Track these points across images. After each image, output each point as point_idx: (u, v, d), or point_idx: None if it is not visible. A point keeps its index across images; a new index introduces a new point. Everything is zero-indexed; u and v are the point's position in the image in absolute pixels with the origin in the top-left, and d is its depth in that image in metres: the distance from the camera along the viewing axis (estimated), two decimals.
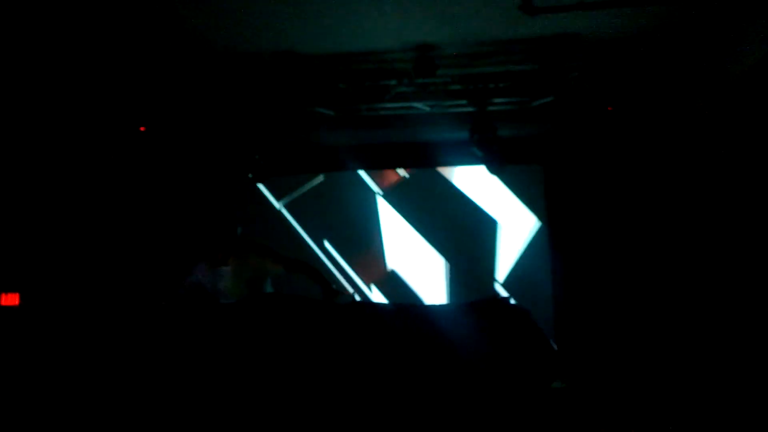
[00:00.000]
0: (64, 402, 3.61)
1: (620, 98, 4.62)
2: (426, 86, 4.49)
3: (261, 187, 5.72)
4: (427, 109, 4.87)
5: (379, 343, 3.34)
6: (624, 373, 4.25)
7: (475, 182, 5.65)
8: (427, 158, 5.55)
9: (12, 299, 4.66)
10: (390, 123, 5.06)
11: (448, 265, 5.55)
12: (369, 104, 4.73)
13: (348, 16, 3.56)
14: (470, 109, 4.84)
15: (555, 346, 4.77)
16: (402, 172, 5.74)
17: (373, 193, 5.69)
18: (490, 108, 4.72)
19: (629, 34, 3.81)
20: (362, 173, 5.72)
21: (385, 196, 5.68)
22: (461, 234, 5.55)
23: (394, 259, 5.62)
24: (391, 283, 5.61)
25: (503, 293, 5.39)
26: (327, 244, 5.59)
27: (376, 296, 5.56)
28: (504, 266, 5.52)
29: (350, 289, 5.29)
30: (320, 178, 5.72)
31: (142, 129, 4.75)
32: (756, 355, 3.71)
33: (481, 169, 5.25)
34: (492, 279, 5.48)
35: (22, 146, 4.64)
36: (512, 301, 3.89)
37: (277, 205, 5.71)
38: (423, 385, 3.29)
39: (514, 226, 5.56)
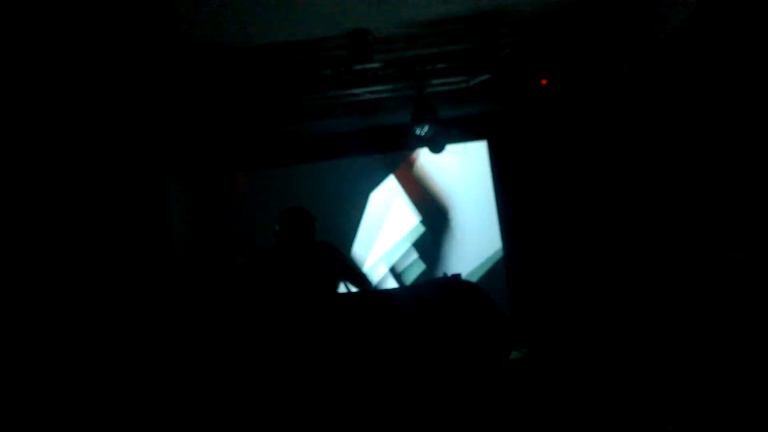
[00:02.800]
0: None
1: (553, 71, 4.71)
2: (364, 72, 4.48)
3: None
4: (368, 95, 4.86)
5: (345, 330, 3.35)
6: (583, 340, 4.36)
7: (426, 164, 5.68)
8: (372, 144, 5.54)
9: None
10: (331, 112, 5.04)
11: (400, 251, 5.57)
12: (308, 94, 4.69)
13: (278, 5, 3.51)
14: (410, 92, 4.87)
15: (510, 318, 4.87)
16: None
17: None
18: (430, 90, 4.76)
19: (552, 9, 3.89)
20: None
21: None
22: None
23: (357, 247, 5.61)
24: None
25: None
26: None
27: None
28: (456, 246, 5.57)
29: None
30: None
31: None
32: (707, 316, 3.86)
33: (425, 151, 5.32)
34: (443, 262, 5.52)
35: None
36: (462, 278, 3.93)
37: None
38: (384, 368, 3.32)
39: (463, 205, 5.62)
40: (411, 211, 5.61)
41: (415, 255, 5.53)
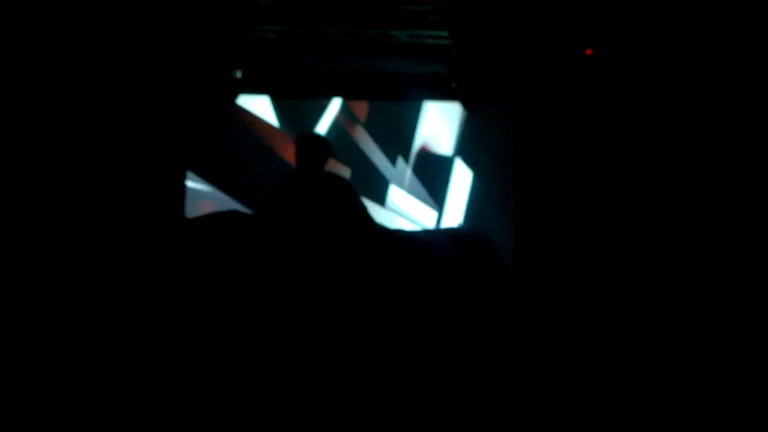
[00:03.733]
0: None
1: (600, 42, 4.58)
2: (410, 14, 4.39)
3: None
4: (407, 38, 4.77)
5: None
6: (590, 306, 4.32)
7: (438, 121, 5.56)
8: (399, 90, 5.41)
9: None
10: (363, 50, 4.92)
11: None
12: (346, 29, 4.61)
13: None
14: (449, 42, 4.76)
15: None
16: None
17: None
18: (472, 43, 4.65)
19: None
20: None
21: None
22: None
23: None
24: None
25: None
26: None
27: None
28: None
29: None
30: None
31: None
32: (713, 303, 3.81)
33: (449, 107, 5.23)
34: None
35: None
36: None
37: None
38: (381, 311, 3.30)
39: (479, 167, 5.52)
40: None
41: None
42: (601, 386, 3.25)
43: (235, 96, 5.19)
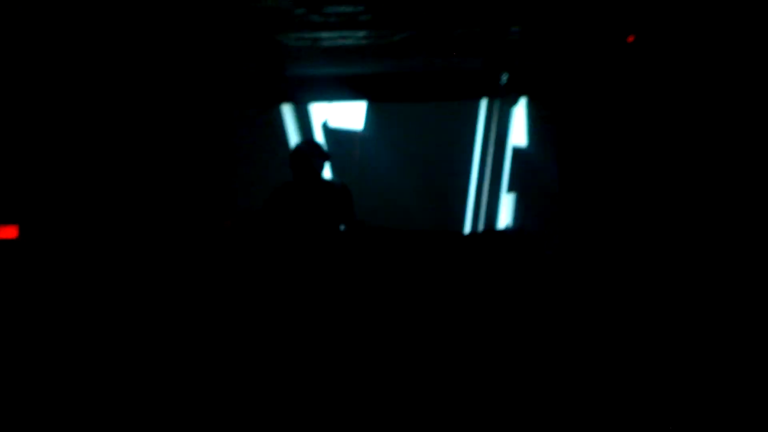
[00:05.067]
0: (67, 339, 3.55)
1: (642, 28, 4.44)
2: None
3: None
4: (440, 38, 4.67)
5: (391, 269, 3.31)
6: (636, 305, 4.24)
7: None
8: (438, 88, 5.33)
9: (9, 232, 4.53)
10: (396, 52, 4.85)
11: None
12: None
13: None
14: (483, 36, 4.65)
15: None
16: None
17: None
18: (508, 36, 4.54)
19: None
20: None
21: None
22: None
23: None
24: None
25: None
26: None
27: None
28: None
29: None
30: None
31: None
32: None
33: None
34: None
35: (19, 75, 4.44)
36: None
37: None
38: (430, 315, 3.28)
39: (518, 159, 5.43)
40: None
41: None
42: (641, 385, 3.20)
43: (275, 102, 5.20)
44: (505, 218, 5.26)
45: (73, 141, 4.70)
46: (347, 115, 5.45)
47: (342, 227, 3.56)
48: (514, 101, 5.12)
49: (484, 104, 5.30)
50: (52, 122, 4.62)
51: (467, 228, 5.29)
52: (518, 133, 5.41)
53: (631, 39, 4.38)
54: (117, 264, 4.31)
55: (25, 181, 4.57)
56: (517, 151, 5.42)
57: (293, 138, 5.38)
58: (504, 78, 4.72)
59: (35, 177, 4.60)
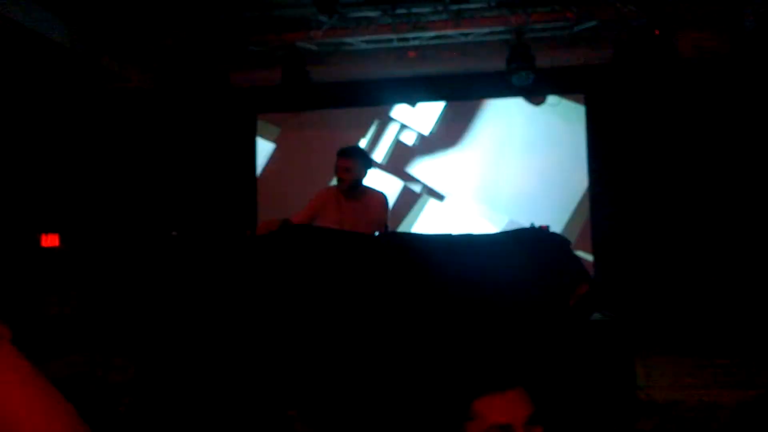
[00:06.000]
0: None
1: (667, 22, 4.33)
2: (460, 13, 4.30)
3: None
4: (462, 38, 4.67)
5: (415, 274, 3.29)
6: (664, 307, 4.13)
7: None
8: (462, 90, 5.32)
9: (52, 240, 4.72)
10: (422, 54, 4.87)
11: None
12: (400, 34, 4.55)
13: None
14: (507, 37, 4.64)
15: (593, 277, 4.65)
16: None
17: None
18: (529, 36, 4.50)
19: None
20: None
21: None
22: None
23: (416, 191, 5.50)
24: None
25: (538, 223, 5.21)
26: None
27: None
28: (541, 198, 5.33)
29: None
30: None
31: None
32: None
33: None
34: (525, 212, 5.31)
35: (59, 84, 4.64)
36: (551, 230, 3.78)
37: None
38: (460, 317, 3.23)
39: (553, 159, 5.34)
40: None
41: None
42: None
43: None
44: (531, 217, 5.19)
45: (105, 156, 4.88)
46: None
47: (376, 234, 3.57)
48: (543, 100, 5.06)
49: (509, 103, 5.27)
50: (84, 139, 4.82)
51: (495, 227, 5.25)
52: (547, 132, 5.34)
53: (657, 32, 4.27)
54: (146, 269, 4.42)
55: (67, 194, 4.77)
56: (545, 150, 5.34)
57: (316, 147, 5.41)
58: (530, 78, 4.66)
59: (76, 189, 4.80)
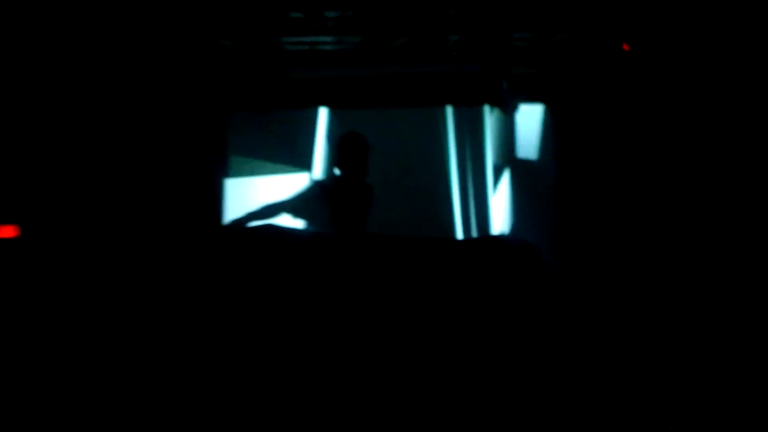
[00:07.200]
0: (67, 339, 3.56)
1: (637, 36, 4.45)
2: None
3: None
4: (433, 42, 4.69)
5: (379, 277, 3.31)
6: (634, 315, 4.24)
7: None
8: (429, 94, 5.32)
9: (7, 231, 4.57)
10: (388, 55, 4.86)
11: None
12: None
13: None
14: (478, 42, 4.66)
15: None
16: None
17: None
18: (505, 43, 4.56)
19: None
20: None
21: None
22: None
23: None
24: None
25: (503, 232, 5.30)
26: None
27: None
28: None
29: None
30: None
31: None
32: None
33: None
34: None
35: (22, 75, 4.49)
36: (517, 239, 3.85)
37: None
38: (424, 325, 3.28)
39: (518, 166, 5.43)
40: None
41: None
42: (642, 392, 3.19)
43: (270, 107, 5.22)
44: (499, 225, 5.27)
45: (71, 142, 4.75)
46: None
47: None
48: (515, 108, 5.13)
49: (482, 110, 5.32)
50: (51, 123, 4.67)
51: (460, 234, 5.30)
52: (517, 139, 5.42)
53: (626, 47, 4.39)
54: (114, 264, 4.33)
55: (26, 182, 4.61)
56: (514, 157, 5.42)
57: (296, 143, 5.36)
58: (504, 85, 4.73)
59: (36, 178, 4.64)
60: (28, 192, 4.60)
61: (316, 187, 3.51)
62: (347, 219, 3.40)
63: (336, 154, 3.36)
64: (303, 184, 3.74)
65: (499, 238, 3.55)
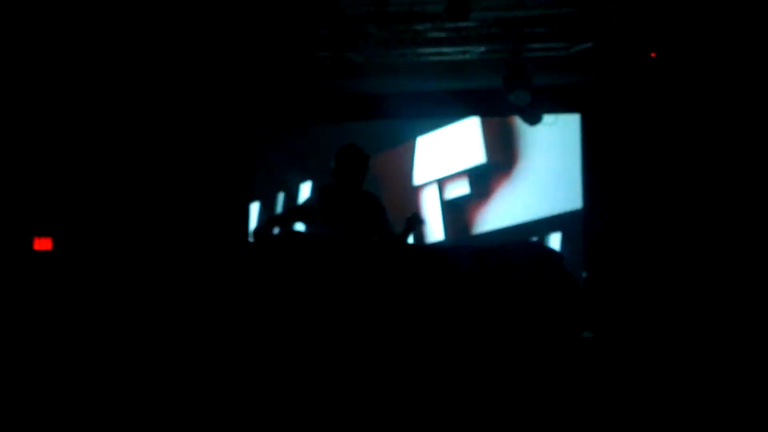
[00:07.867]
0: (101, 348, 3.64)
1: (664, 44, 4.38)
2: (459, 31, 4.35)
3: None
4: (459, 56, 4.72)
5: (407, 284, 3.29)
6: (656, 326, 4.14)
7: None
8: (458, 108, 5.36)
9: (45, 243, 4.71)
10: (419, 70, 4.92)
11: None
12: (399, 50, 4.60)
13: None
14: (504, 55, 4.68)
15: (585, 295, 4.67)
16: None
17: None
18: (527, 55, 4.55)
19: None
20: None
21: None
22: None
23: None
24: None
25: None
26: None
27: None
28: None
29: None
30: None
31: None
32: None
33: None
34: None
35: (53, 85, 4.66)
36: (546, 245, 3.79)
37: None
38: (447, 331, 3.24)
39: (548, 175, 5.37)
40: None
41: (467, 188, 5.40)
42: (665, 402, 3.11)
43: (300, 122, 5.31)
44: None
45: (105, 157, 4.90)
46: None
47: (375, 238, 3.57)
48: (539, 118, 5.10)
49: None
50: (84, 138, 4.83)
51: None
52: (545, 150, 5.38)
53: (653, 55, 4.33)
54: (145, 272, 4.40)
55: (60, 197, 4.76)
56: (543, 167, 5.38)
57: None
58: (527, 97, 4.71)
59: (70, 191, 4.79)
60: (63, 205, 4.75)
61: (317, 192, 3.57)
62: (340, 224, 3.45)
63: (333, 166, 3.46)
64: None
65: (523, 244, 3.50)
